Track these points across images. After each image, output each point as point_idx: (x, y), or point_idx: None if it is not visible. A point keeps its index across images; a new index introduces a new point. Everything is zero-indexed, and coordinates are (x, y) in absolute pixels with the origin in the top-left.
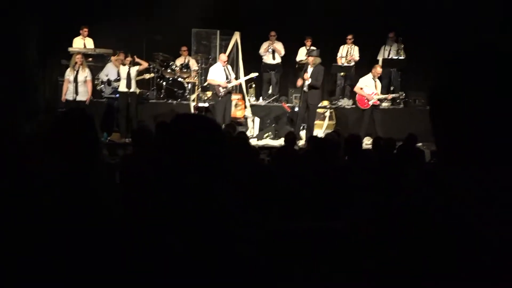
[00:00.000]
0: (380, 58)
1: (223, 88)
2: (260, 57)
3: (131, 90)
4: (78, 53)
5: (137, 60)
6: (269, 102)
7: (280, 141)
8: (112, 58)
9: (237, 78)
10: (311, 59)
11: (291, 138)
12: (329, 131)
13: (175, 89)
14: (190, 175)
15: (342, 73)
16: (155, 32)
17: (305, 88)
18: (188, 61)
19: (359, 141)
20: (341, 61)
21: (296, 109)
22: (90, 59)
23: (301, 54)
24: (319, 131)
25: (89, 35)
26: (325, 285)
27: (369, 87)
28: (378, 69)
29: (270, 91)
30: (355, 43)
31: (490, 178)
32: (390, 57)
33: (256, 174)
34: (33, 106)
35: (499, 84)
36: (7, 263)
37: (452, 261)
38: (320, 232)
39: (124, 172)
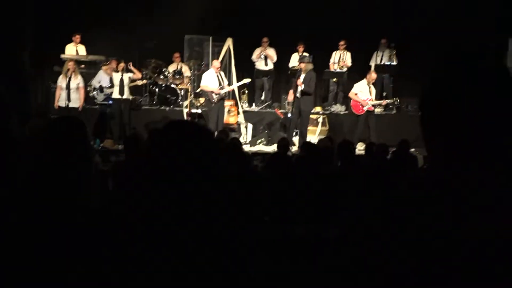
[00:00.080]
0: (372, 64)
1: (216, 94)
2: (252, 63)
3: (124, 96)
4: (71, 60)
5: (131, 67)
6: (262, 108)
7: (273, 147)
8: (104, 67)
9: (230, 84)
10: (303, 65)
11: (284, 144)
12: (322, 137)
13: (168, 96)
14: (182, 182)
15: (334, 79)
16: (147, 38)
17: (297, 94)
18: (181, 67)
19: (351, 147)
20: (333, 67)
21: (289, 115)
22: (83, 66)
23: (294, 60)
24: (312, 137)
25: (81, 42)
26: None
27: (363, 93)
28: (373, 75)
29: (263, 97)
30: (347, 49)
31: (489, 178)
32: (382, 63)
33: (249, 180)
34: (25, 110)
35: (497, 85)
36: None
37: (447, 263)
38: (312, 237)
39: (117, 178)
